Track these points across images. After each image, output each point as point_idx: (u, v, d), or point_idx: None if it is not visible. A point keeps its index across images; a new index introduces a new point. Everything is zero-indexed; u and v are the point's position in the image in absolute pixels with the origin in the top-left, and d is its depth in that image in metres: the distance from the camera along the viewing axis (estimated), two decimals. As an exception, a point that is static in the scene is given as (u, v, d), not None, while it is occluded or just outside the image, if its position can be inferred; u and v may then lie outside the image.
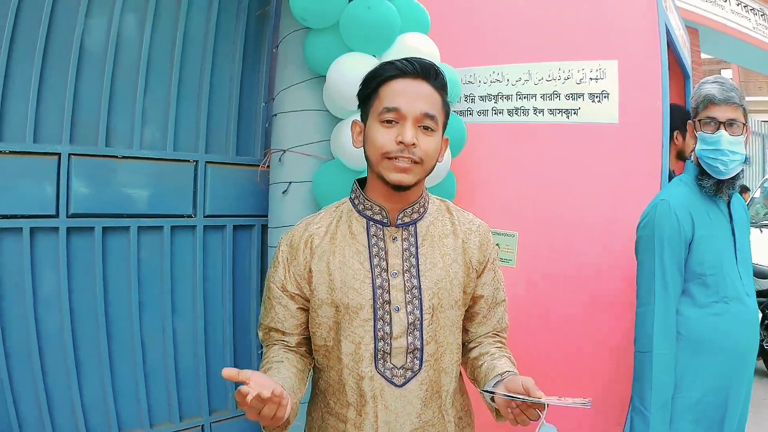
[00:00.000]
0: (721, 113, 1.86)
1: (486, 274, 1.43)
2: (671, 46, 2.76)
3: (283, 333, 1.38)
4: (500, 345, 1.45)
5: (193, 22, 2.56)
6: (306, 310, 1.38)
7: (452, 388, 1.39)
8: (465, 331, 1.47)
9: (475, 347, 1.46)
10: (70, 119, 2.27)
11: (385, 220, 1.34)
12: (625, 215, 2.19)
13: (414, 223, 1.36)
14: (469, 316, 1.45)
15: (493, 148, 2.47)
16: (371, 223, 1.35)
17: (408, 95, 1.25)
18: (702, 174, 1.94)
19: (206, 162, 2.57)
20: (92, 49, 2.34)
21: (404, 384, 1.32)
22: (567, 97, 2.38)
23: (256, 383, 1.04)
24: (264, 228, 2.70)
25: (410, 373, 1.32)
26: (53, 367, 2.26)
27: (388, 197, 1.32)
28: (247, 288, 2.78)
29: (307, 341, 1.41)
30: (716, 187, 1.93)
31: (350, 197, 1.40)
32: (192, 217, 2.55)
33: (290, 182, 2.34)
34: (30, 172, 2.19)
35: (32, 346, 2.20)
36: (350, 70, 2.09)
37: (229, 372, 1.03)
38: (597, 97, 2.35)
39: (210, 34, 2.60)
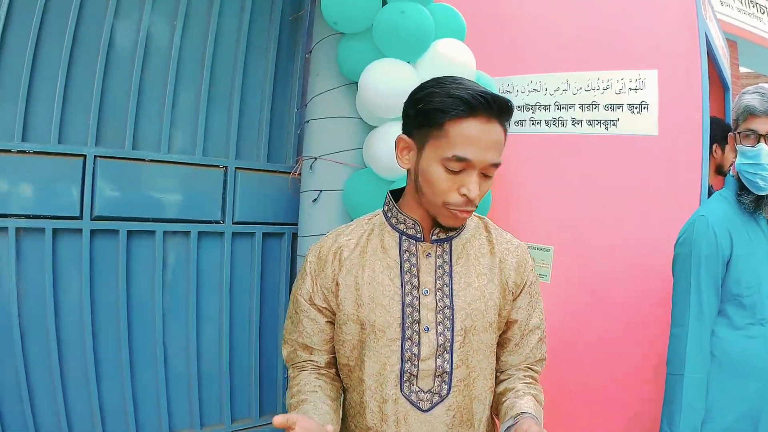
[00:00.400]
0: (762, 125, 1.75)
1: (522, 297, 1.35)
2: (711, 56, 2.69)
3: (312, 350, 1.32)
4: (530, 381, 1.35)
5: (224, 26, 2.54)
6: (333, 324, 1.32)
7: (485, 417, 1.32)
8: (496, 358, 1.38)
9: (503, 380, 1.37)
10: (96, 121, 2.26)
11: (418, 235, 1.27)
12: (663, 231, 2.12)
13: (449, 239, 1.29)
14: (501, 342, 1.37)
15: (530, 160, 2.41)
16: (404, 237, 1.28)
17: (480, 144, 1.12)
18: (741, 189, 1.85)
19: (236, 168, 2.54)
20: (120, 51, 2.33)
21: (430, 409, 1.25)
22: (606, 107, 2.31)
23: (302, 429, 1.02)
24: (294, 236, 2.66)
25: (437, 397, 1.25)
26: (73, 371, 2.25)
27: (424, 213, 1.25)
28: (276, 297, 2.74)
29: (335, 360, 1.35)
30: (756, 203, 1.83)
31: (383, 210, 1.33)
32: (220, 223, 2.52)
33: (321, 190, 2.29)
34: (54, 173, 2.18)
35: (52, 349, 2.19)
36: (383, 76, 2.05)
37: (279, 420, 1.00)
38: (636, 108, 2.28)
39: (242, 38, 2.57)
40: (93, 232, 2.26)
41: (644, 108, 2.27)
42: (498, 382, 1.37)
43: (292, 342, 1.34)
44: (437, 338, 1.24)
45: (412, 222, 1.27)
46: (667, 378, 1.85)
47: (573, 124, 2.35)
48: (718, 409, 1.78)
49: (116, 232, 2.31)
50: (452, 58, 2.17)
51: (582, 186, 2.32)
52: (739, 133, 1.82)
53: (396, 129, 1.72)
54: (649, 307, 2.18)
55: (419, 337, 1.24)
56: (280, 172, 2.64)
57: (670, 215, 2.16)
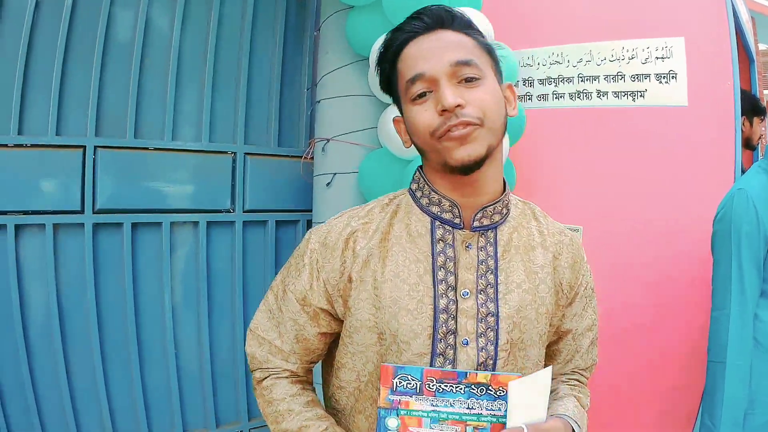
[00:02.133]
0: None
1: (577, 303, 1.11)
2: (737, 26, 2.60)
3: (288, 357, 1.08)
4: (575, 383, 1.16)
5: (228, 6, 2.45)
6: (328, 336, 1.08)
7: None
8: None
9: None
10: (95, 111, 2.19)
11: (456, 220, 1.01)
12: (695, 206, 2.03)
13: (494, 227, 1.03)
14: (549, 354, 1.15)
15: (555, 135, 2.30)
16: (438, 223, 1.02)
17: (428, 54, 0.96)
18: None
19: (245, 153, 2.46)
20: (119, 37, 2.25)
21: None
22: (632, 78, 2.20)
23: None
24: (309, 223, 2.57)
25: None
26: (80, 370, 2.20)
27: (460, 188, 1.00)
28: (291, 288, 2.67)
29: (312, 368, 1.12)
30: None
31: (410, 188, 1.07)
32: (231, 212, 2.44)
33: (335, 173, 2.19)
34: (53, 167, 2.12)
35: (57, 349, 2.13)
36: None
37: None
38: (664, 77, 2.17)
39: (247, 18, 2.48)
40: (96, 226, 2.19)
41: (672, 77, 2.17)
42: None
43: (267, 343, 1.09)
44: (477, 354, 0.99)
45: (449, 203, 1.01)
46: (708, 366, 1.74)
47: (598, 97, 2.24)
48: (761, 401, 1.67)
49: (120, 225, 2.23)
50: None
51: (610, 161, 2.21)
52: None
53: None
54: (682, 289, 2.08)
55: (455, 352, 0.99)
56: (291, 156, 2.56)
57: (702, 189, 2.07)
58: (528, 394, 0.93)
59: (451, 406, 0.93)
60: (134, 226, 2.25)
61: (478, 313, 0.99)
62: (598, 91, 2.24)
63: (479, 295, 1.00)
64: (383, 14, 2.03)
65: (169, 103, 2.31)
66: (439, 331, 0.98)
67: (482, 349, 0.98)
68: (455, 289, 0.99)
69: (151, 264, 2.30)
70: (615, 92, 2.23)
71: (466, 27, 1.00)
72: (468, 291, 0.99)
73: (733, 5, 2.34)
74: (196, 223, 2.37)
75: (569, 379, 1.16)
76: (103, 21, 2.17)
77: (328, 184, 2.21)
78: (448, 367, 0.98)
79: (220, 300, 2.46)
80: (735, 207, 1.71)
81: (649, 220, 2.15)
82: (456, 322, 0.98)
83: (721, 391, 1.66)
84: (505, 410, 0.93)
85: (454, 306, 0.99)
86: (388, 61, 1.01)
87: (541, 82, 2.33)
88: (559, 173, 2.29)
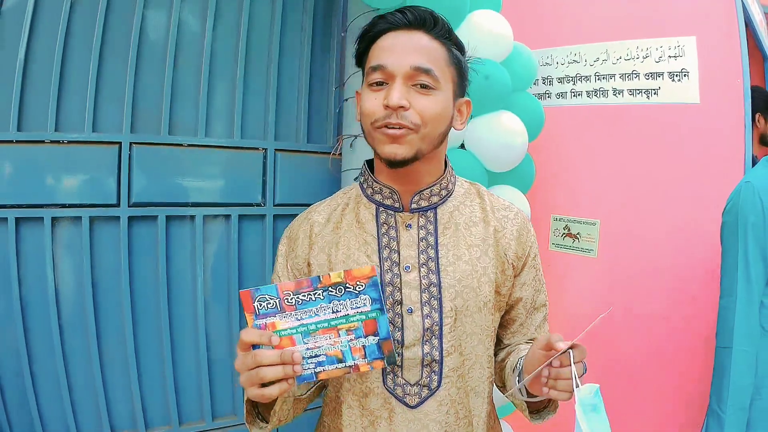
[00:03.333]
0: None
1: (526, 272, 1.19)
2: (749, 24, 2.65)
3: None
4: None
5: (258, 7, 2.51)
6: None
7: (485, 412, 1.16)
8: (498, 341, 1.24)
9: (502, 349, 1.24)
10: (130, 108, 2.23)
11: (396, 205, 1.12)
12: (708, 200, 2.09)
13: (434, 207, 1.13)
14: (503, 324, 1.23)
15: (572, 132, 2.38)
16: (381, 209, 1.13)
17: (396, 50, 1.03)
18: None
19: (276, 150, 2.50)
20: (153, 35, 2.30)
21: (419, 404, 1.09)
22: (646, 76, 2.28)
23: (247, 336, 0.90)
24: (337, 216, 2.62)
25: (427, 391, 1.09)
26: (113, 360, 2.25)
27: (397, 177, 1.11)
28: (321, 280, 2.71)
29: None
30: None
31: (359, 181, 1.20)
32: (261, 206, 2.50)
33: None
34: (89, 162, 2.16)
35: (91, 339, 2.18)
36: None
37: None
38: (677, 75, 2.25)
39: (276, 18, 2.54)
40: (131, 219, 2.24)
41: (685, 75, 2.24)
42: (496, 354, 1.24)
43: None
44: (423, 321, 1.08)
45: (388, 191, 1.12)
46: (716, 351, 1.81)
47: (614, 95, 2.32)
48: (767, 386, 1.73)
49: (155, 218, 2.29)
50: (488, 30, 2.12)
51: (625, 157, 2.29)
52: None
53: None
54: (698, 280, 2.15)
55: (402, 320, 1.08)
56: (320, 152, 2.61)
57: (713, 183, 2.14)
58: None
59: (317, 315, 0.92)
60: (168, 219, 2.31)
61: (420, 285, 1.09)
62: (614, 89, 2.32)
63: (421, 269, 1.10)
64: (408, 17, 2.11)
65: (201, 101, 2.36)
66: (387, 302, 1.08)
67: (427, 316, 1.08)
68: (399, 264, 1.10)
69: (185, 256, 2.36)
70: (630, 90, 2.30)
71: (444, 35, 1.08)
72: (410, 265, 1.10)
73: (743, 4, 2.39)
74: (228, 217, 2.42)
75: (528, 342, 1.23)
76: (138, 22, 2.22)
77: (355, 179, 2.28)
78: (398, 335, 1.08)
79: (251, 290, 2.52)
80: (742, 199, 1.78)
81: (663, 213, 2.22)
82: (401, 293, 1.09)
83: (728, 376, 1.72)
84: (372, 305, 0.92)
85: (398, 279, 1.09)
86: (364, 43, 1.10)
87: (560, 80, 2.41)
88: (576, 168, 2.36)
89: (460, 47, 1.12)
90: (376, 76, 1.03)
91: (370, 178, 1.15)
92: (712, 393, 1.80)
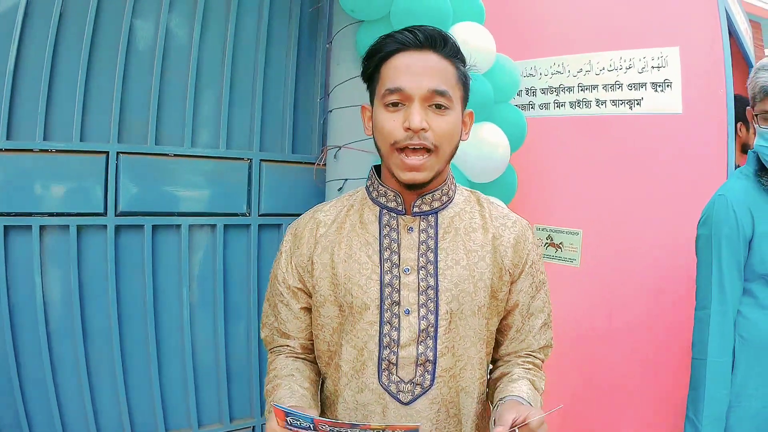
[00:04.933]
0: None
1: (523, 279, 1.21)
2: (733, 33, 2.66)
3: (288, 336, 1.24)
4: (530, 366, 1.24)
5: (244, 19, 2.53)
6: (309, 310, 1.23)
7: (474, 411, 1.19)
8: (496, 345, 1.27)
9: (500, 366, 1.26)
10: (117, 118, 2.26)
11: (399, 208, 1.16)
12: (690, 210, 2.08)
13: (435, 212, 1.17)
14: (501, 329, 1.25)
15: (556, 143, 2.39)
16: (384, 211, 1.17)
17: (412, 71, 1.06)
18: (762, 170, 1.78)
19: (261, 160, 2.53)
20: (140, 47, 2.33)
21: (411, 401, 1.12)
22: (629, 87, 2.29)
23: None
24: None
25: (419, 389, 1.13)
26: (99, 369, 2.26)
27: (405, 188, 1.15)
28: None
29: (313, 346, 1.26)
30: None
31: (366, 185, 1.24)
32: (246, 215, 2.52)
33: (346, 179, 2.29)
34: (77, 171, 2.18)
35: (78, 346, 2.20)
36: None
37: None
38: (660, 86, 2.26)
39: (262, 30, 2.57)
40: (118, 227, 2.27)
41: (667, 86, 2.25)
42: (495, 368, 1.27)
43: (269, 325, 1.27)
44: (419, 322, 1.12)
45: (393, 194, 1.17)
46: (692, 363, 1.80)
47: (597, 105, 2.33)
48: (747, 394, 1.72)
49: (141, 227, 2.31)
50: (471, 42, 2.14)
51: (608, 167, 2.30)
52: (756, 115, 1.75)
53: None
54: (678, 290, 2.14)
55: (399, 320, 1.12)
56: (305, 162, 2.64)
57: (696, 193, 2.11)
58: None
59: None
60: (154, 228, 2.33)
61: (419, 287, 1.13)
62: (597, 100, 2.33)
63: (420, 271, 1.14)
64: (391, 28, 2.11)
65: (188, 111, 2.39)
66: (386, 302, 1.12)
67: (423, 317, 1.12)
68: (398, 266, 1.14)
69: (170, 264, 2.38)
70: (613, 101, 2.31)
71: (453, 54, 1.12)
72: (409, 268, 1.14)
73: (727, 13, 2.40)
74: (213, 226, 2.45)
75: (524, 362, 1.25)
76: (125, 33, 2.25)
77: (339, 189, 2.30)
78: (394, 335, 1.12)
79: (236, 299, 2.54)
80: (716, 212, 1.76)
81: (645, 222, 2.22)
82: (399, 294, 1.13)
83: (703, 387, 1.71)
84: None
85: (397, 281, 1.13)
86: (374, 62, 1.12)
87: (543, 91, 2.42)
88: (559, 178, 2.37)
89: (464, 61, 1.15)
90: (394, 98, 1.07)
91: (376, 181, 1.20)
92: (689, 402, 1.80)
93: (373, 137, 1.14)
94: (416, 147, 1.06)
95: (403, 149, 1.07)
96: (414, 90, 1.06)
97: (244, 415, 2.61)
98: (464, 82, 1.14)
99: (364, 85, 1.19)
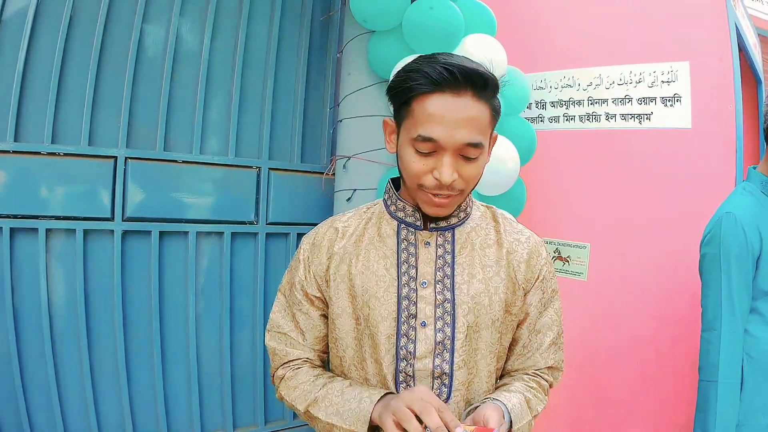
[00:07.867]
0: None
1: (533, 293, 1.21)
2: (742, 49, 2.66)
3: (304, 347, 1.22)
4: (533, 385, 1.21)
5: (255, 27, 2.54)
6: (327, 319, 1.22)
7: None
8: (506, 361, 1.26)
9: (505, 380, 1.25)
10: (126, 123, 2.26)
11: (418, 223, 1.17)
12: (698, 225, 2.07)
13: (452, 228, 1.18)
14: (510, 344, 1.25)
15: (565, 156, 2.38)
16: (402, 225, 1.18)
17: (447, 122, 1.01)
18: None
19: (269, 168, 2.53)
20: (150, 53, 2.33)
21: None
22: (639, 101, 2.29)
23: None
24: (329, 237, 2.64)
25: None
26: (104, 373, 2.26)
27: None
28: (310, 298, 2.73)
29: (327, 359, 1.25)
30: None
31: (383, 198, 1.24)
32: (254, 224, 2.52)
33: (354, 189, 2.27)
34: (85, 175, 2.18)
35: (83, 351, 2.20)
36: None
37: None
38: (669, 100, 2.25)
39: (273, 39, 2.57)
40: (125, 233, 2.26)
41: (677, 100, 2.25)
42: (500, 382, 1.25)
43: (281, 337, 1.23)
44: (435, 334, 1.12)
45: (411, 209, 1.17)
46: (700, 384, 1.78)
47: (607, 119, 2.32)
48: (755, 411, 1.71)
49: (148, 233, 2.31)
50: (482, 53, 2.14)
51: (617, 181, 2.29)
52: None
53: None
54: (686, 305, 2.14)
55: (415, 333, 1.12)
56: (313, 172, 2.63)
57: (703, 208, 2.10)
58: None
59: None
60: (161, 234, 2.33)
61: (435, 300, 1.13)
62: (607, 114, 2.32)
63: (437, 285, 1.14)
64: (403, 39, 2.11)
65: (197, 118, 2.38)
66: (402, 315, 1.13)
67: (440, 330, 1.12)
68: (416, 279, 1.14)
69: (177, 271, 2.38)
70: (623, 115, 2.30)
71: (492, 94, 1.06)
72: (426, 281, 1.14)
73: (737, 28, 2.40)
74: (220, 234, 2.44)
75: (530, 380, 1.23)
76: (136, 38, 2.25)
77: (348, 199, 2.29)
78: (411, 347, 1.12)
79: (242, 307, 2.53)
80: (723, 230, 1.73)
81: (653, 237, 2.21)
82: (416, 307, 1.13)
83: (714, 409, 1.69)
84: None
85: (415, 294, 1.14)
86: (405, 95, 1.06)
87: (553, 104, 2.42)
88: (568, 192, 2.36)
89: (497, 90, 1.10)
90: (426, 147, 1.04)
91: (394, 195, 1.20)
92: (696, 424, 1.77)
93: (397, 162, 1.13)
94: (443, 195, 1.08)
95: (429, 191, 1.08)
96: (448, 143, 1.02)
97: (248, 422, 2.60)
98: (495, 115, 1.10)
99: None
